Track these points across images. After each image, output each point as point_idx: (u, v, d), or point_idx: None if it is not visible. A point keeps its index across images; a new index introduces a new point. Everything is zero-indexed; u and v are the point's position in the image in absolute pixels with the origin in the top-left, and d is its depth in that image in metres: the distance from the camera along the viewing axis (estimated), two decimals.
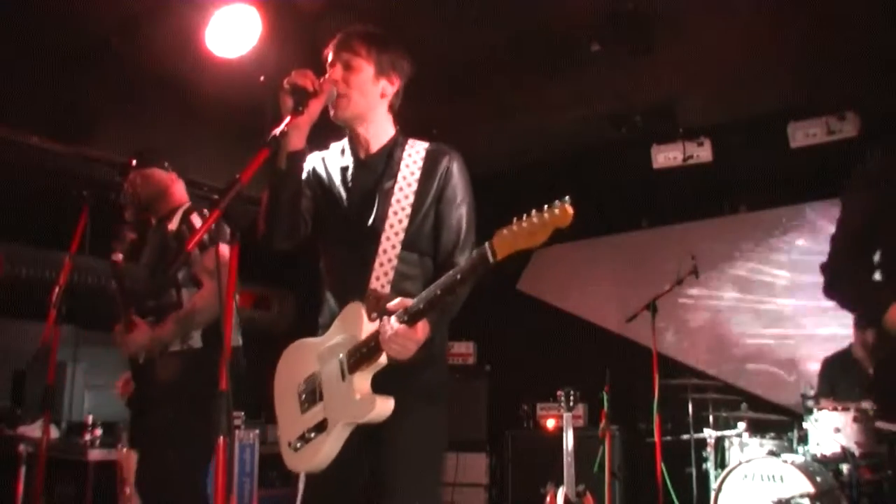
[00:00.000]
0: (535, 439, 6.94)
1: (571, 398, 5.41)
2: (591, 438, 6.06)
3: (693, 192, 7.08)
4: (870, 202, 2.63)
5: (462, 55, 5.22)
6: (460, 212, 2.47)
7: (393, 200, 2.43)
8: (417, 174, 2.46)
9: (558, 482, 5.27)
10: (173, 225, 3.64)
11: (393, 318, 2.17)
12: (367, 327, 2.28)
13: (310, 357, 2.43)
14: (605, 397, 5.83)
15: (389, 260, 2.38)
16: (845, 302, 2.73)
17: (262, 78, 4.89)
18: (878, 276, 2.62)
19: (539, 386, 6.94)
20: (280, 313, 8.48)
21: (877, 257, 2.62)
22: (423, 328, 2.19)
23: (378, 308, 2.29)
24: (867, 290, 2.64)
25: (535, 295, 8.21)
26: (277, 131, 2.26)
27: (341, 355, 2.32)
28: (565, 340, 7.58)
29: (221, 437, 2.08)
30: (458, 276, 2.12)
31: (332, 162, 2.61)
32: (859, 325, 2.78)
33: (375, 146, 2.55)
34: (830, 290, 2.74)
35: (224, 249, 3.23)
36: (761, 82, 5.70)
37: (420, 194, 2.45)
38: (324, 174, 2.59)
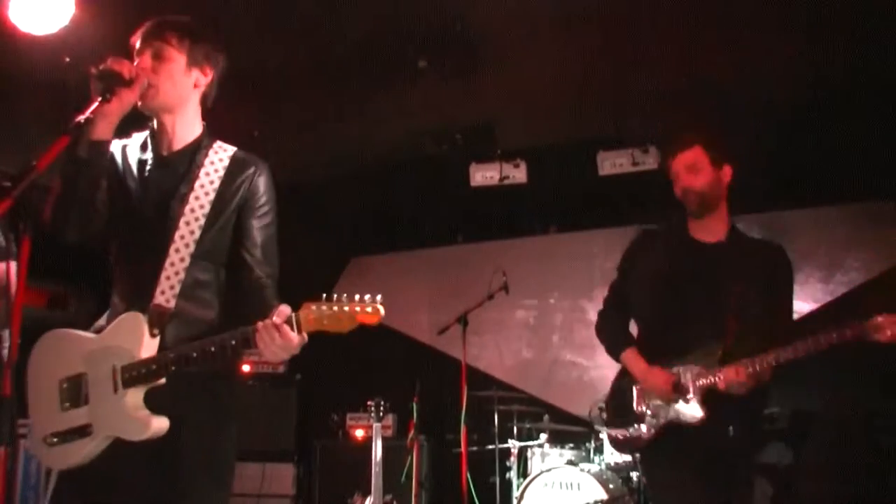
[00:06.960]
0: (344, 449, 6.86)
1: (381, 408, 5.43)
2: (399, 448, 6.12)
3: (507, 212, 7.35)
4: (621, 272, 3.35)
5: (282, 62, 5.12)
6: (263, 223, 2.39)
7: (187, 209, 2.30)
8: (217, 181, 2.35)
9: (366, 492, 5.27)
10: None
11: (285, 323, 2.02)
12: (148, 344, 2.20)
13: (76, 353, 2.29)
14: (415, 408, 5.92)
15: (177, 272, 2.26)
16: (602, 342, 3.35)
17: (66, 59, 4.59)
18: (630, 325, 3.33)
19: (350, 396, 6.91)
20: (79, 312, 7.90)
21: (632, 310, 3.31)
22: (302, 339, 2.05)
23: (160, 323, 2.22)
24: (614, 335, 3.30)
25: None
26: (82, 118, 2.13)
27: (116, 365, 2.20)
28: (377, 351, 7.60)
29: (2, 448, 1.91)
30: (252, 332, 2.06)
31: (131, 153, 2.44)
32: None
33: (179, 144, 2.42)
34: (597, 331, 3.39)
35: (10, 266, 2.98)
36: (573, 113, 5.98)
37: (218, 203, 2.34)
38: (120, 164, 2.42)
